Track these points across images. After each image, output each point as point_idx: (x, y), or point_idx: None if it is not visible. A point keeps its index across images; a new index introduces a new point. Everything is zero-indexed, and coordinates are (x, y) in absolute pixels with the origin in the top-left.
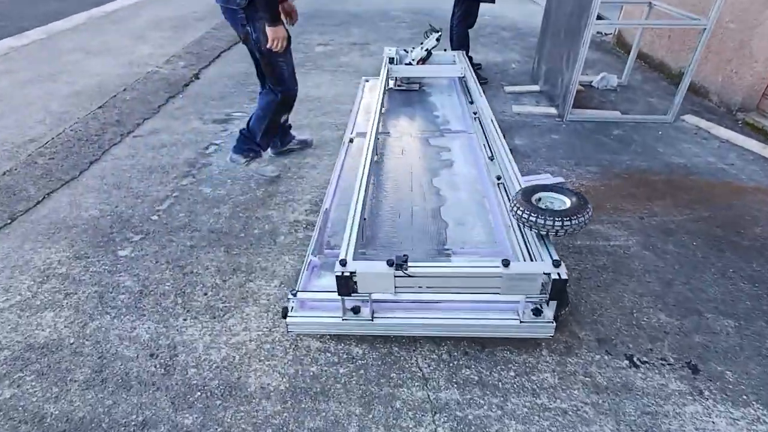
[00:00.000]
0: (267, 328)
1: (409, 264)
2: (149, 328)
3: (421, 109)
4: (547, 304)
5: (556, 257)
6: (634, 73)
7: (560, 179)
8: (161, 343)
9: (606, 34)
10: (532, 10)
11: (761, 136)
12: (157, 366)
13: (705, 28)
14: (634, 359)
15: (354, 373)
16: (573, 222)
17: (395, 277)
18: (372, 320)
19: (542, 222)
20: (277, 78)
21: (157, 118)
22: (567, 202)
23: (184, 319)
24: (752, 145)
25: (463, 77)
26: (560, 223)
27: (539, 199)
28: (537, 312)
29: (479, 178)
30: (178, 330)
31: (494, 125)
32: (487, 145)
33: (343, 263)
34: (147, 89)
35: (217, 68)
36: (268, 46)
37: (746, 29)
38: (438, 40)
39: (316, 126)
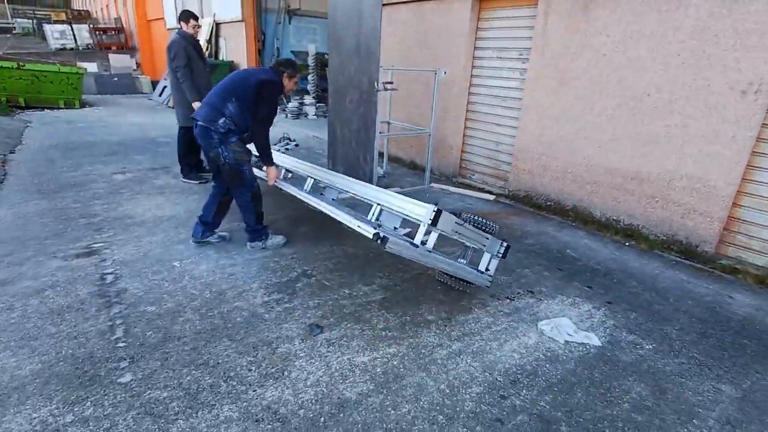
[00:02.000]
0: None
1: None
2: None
3: None
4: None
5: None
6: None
7: None
8: None
9: None
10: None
11: (469, 189)
12: None
13: (430, 134)
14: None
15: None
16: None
17: (456, 223)
18: (430, 251)
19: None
20: (242, 182)
21: None
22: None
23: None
24: (470, 192)
25: None
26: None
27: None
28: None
29: None
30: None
31: None
32: None
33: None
34: None
35: (4, 210)
36: (269, 183)
37: (441, 131)
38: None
39: None
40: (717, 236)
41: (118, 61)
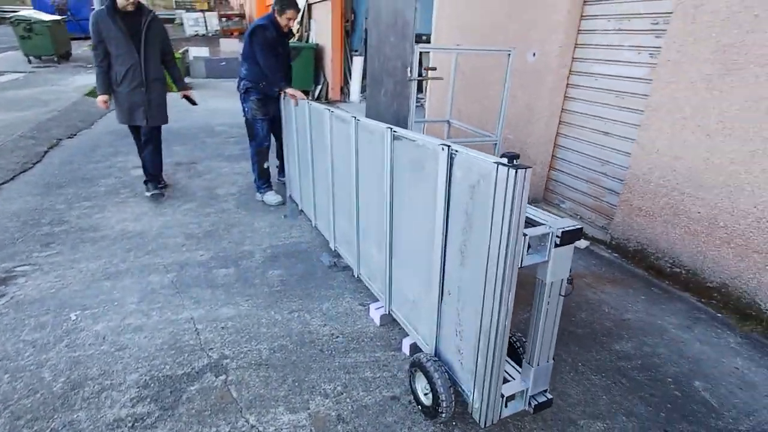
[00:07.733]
0: None
1: None
2: None
3: None
4: None
5: None
6: None
7: None
8: None
9: None
10: None
11: None
12: None
13: (495, 143)
14: None
15: None
16: None
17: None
18: None
19: None
20: (253, 135)
21: None
22: None
23: None
24: None
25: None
26: None
27: None
28: None
29: None
30: None
31: None
32: None
33: None
34: None
35: None
36: (296, 101)
37: (521, 140)
38: None
39: (137, 270)
40: None
41: (228, 46)
